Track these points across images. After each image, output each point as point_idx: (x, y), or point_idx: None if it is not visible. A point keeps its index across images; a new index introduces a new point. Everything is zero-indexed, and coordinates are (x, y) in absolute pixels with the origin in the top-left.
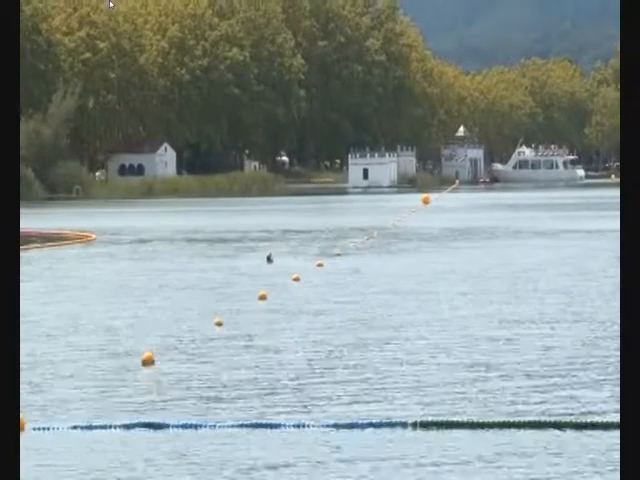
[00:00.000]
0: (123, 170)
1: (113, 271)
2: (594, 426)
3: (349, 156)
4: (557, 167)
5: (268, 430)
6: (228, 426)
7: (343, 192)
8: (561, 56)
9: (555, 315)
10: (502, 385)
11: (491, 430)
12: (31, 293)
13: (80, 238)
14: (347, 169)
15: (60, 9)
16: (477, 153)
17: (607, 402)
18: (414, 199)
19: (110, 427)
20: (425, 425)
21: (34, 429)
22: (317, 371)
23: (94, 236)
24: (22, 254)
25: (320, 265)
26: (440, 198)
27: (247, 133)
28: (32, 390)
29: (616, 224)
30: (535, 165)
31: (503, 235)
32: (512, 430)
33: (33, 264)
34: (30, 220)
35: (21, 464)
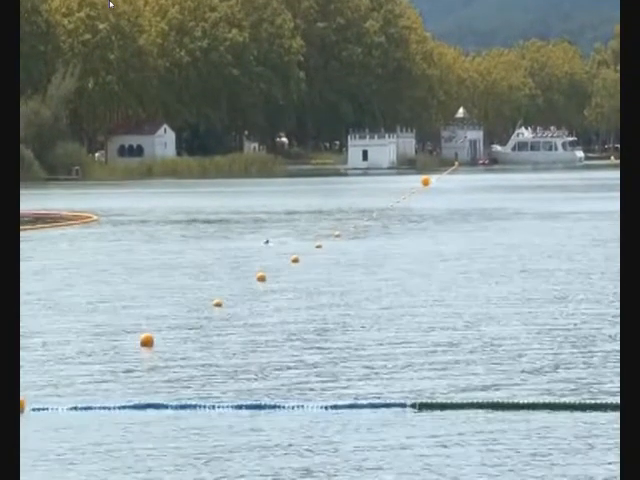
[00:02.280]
0: (122, 151)
1: (113, 252)
2: (596, 407)
3: (348, 137)
4: (556, 149)
5: (268, 411)
6: (227, 407)
7: (342, 173)
8: (561, 37)
9: (566, 294)
10: (504, 365)
11: (490, 411)
12: (28, 273)
13: (81, 219)
14: (346, 150)
15: None
16: (476, 134)
17: (611, 384)
18: (414, 180)
19: (109, 408)
20: (424, 406)
21: (33, 410)
22: (316, 351)
23: (95, 217)
24: (21, 235)
25: (319, 246)
26: (440, 179)
27: (246, 114)
28: (31, 370)
29: (618, 205)
30: (534, 146)
31: (506, 216)
32: (512, 411)
33: (32, 244)
34: (30, 201)
35: (20, 445)
